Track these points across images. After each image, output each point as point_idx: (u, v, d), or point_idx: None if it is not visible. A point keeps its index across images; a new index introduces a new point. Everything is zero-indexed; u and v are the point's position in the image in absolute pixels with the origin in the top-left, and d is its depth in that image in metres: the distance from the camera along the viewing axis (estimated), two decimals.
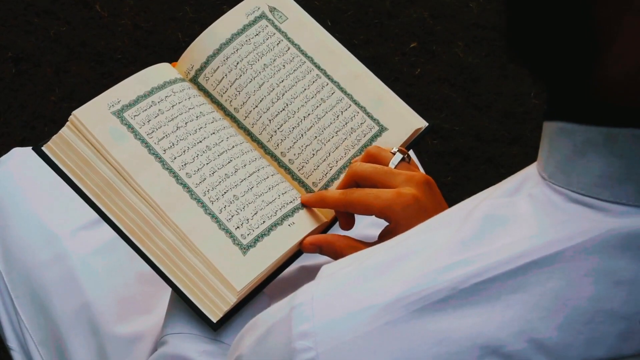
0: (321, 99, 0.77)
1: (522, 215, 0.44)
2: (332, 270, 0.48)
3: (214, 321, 0.66)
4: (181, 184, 0.69)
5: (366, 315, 0.43)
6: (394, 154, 0.71)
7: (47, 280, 0.85)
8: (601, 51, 0.40)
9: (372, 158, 0.71)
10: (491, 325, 0.42)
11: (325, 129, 0.76)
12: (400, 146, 0.75)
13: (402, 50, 1.79)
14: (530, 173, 0.47)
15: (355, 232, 0.80)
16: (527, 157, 1.67)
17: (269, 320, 0.48)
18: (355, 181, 0.69)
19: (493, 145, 1.69)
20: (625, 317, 0.41)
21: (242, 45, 0.76)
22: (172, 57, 0.74)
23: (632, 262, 0.41)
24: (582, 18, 0.40)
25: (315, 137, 0.76)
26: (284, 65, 0.77)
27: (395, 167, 0.69)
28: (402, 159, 0.70)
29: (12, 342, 0.87)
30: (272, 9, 0.79)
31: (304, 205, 0.73)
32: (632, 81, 0.40)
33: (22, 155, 0.96)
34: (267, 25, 0.78)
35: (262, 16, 0.78)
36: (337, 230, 0.73)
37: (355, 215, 0.74)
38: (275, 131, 0.75)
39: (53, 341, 0.85)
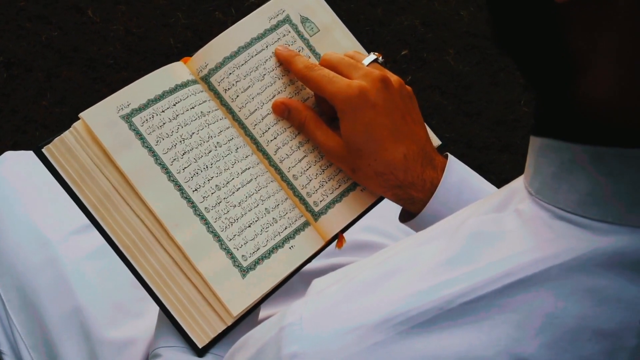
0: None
1: (509, 232, 0.44)
2: (321, 287, 0.48)
3: (200, 347, 0.66)
4: (186, 198, 0.67)
5: (354, 336, 0.43)
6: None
7: (39, 285, 0.85)
8: (579, 74, 0.40)
9: (348, 56, 0.73)
10: (478, 344, 0.42)
11: None
12: None
13: (393, 58, 1.80)
14: (517, 187, 0.48)
15: (351, 236, 0.80)
16: (517, 165, 1.68)
17: (260, 340, 0.47)
18: (325, 67, 0.71)
19: (484, 152, 1.70)
20: (611, 335, 0.41)
21: (260, 51, 0.74)
22: (164, 63, 0.73)
23: (616, 280, 0.41)
24: (557, 43, 0.40)
25: (322, 155, 0.73)
26: None
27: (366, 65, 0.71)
28: (375, 60, 0.72)
29: (4, 347, 0.86)
30: (305, 20, 0.76)
31: (307, 224, 0.72)
32: (613, 102, 0.40)
33: (14, 159, 0.96)
34: (289, 31, 0.75)
35: (286, 20, 0.75)
36: (332, 249, 0.74)
37: None
38: (283, 145, 0.73)
39: (45, 345, 0.84)
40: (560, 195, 0.43)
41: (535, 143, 0.46)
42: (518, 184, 0.48)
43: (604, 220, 0.42)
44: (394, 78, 0.70)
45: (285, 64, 0.73)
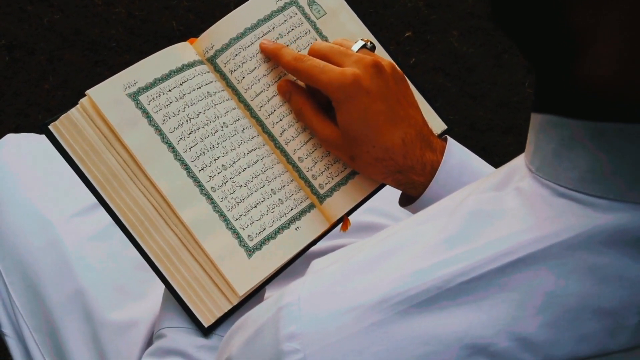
0: None
1: (509, 210, 0.44)
2: (319, 267, 0.48)
3: (206, 326, 0.66)
4: (192, 177, 0.67)
5: (352, 316, 0.43)
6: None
7: (40, 267, 0.85)
8: (580, 51, 0.40)
9: (336, 43, 0.72)
10: (478, 324, 0.41)
11: None
12: None
13: (397, 40, 1.79)
14: (517, 165, 0.47)
15: (353, 218, 0.80)
16: (521, 147, 1.67)
17: (258, 321, 0.47)
18: (314, 57, 0.70)
19: (487, 134, 1.69)
20: (612, 313, 0.41)
21: (267, 32, 0.73)
22: (167, 46, 0.72)
23: (618, 258, 0.41)
24: (559, 21, 0.40)
25: None
26: None
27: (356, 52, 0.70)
28: (364, 46, 0.71)
29: (6, 328, 0.87)
30: (311, 2, 0.76)
31: (312, 207, 0.72)
32: (614, 79, 0.39)
33: (15, 142, 0.96)
34: (296, 13, 0.75)
35: (293, 2, 0.75)
36: (336, 230, 0.74)
37: None
38: (289, 127, 0.72)
39: (47, 327, 0.85)
40: (560, 172, 0.43)
41: (535, 120, 0.45)
42: (518, 162, 0.47)
43: (604, 197, 0.41)
44: (385, 62, 0.69)
45: (272, 58, 0.72)
